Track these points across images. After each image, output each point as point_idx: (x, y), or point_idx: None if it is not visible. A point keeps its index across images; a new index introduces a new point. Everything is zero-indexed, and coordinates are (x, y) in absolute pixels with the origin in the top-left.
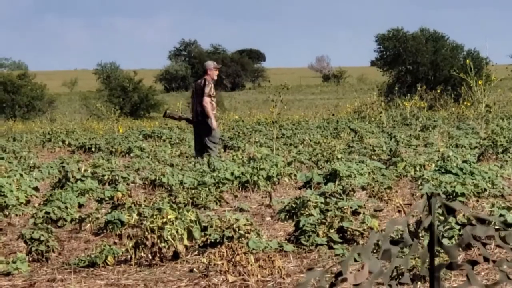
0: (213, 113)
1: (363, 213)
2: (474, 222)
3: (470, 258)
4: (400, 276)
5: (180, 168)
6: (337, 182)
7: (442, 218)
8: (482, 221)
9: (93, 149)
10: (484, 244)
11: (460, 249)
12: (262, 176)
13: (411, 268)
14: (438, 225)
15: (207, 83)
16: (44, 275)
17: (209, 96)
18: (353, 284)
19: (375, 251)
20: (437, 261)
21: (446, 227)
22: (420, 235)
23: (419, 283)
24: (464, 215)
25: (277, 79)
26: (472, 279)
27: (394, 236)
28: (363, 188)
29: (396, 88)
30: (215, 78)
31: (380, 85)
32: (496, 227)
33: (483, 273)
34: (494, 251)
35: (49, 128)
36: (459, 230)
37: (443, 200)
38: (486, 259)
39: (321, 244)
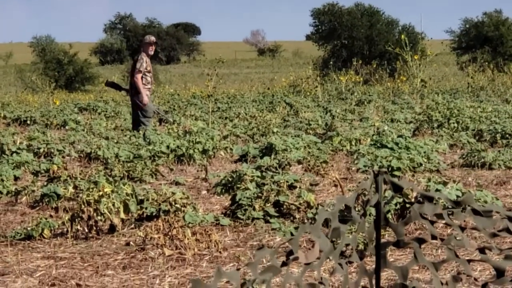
0: (148, 88)
1: (299, 187)
2: (421, 199)
3: (417, 236)
4: (348, 254)
5: (115, 141)
6: (273, 156)
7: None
8: (429, 199)
9: (28, 122)
10: (432, 222)
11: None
12: (198, 149)
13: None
14: (385, 203)
15: (139, 58)
16: None
17: (140, 72)
18: (304, 263)
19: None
20: (383, 239)
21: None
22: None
23: (366, 260)
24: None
25: (212, 53)
26: (420, 257)
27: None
28: (299, 162)
29: (332, 62)
30: (151, 53)
31: (316, 59)
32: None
33: (430, 251)
34: (442, 229)
35: None
36: (399, 204)
37: (391, 178)
38: (433, 237)
39: (258, 218)
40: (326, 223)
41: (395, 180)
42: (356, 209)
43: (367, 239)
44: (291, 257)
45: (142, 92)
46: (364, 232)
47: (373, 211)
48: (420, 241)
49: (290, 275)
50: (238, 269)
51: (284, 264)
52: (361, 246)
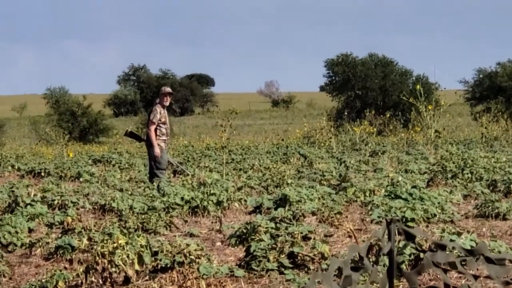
0: (163, 139)
1: (314, 239)
2: (434, 248)
3: (430, 285)
4: None
5: (130, 193)
6: (287, 207)
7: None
8: (442, 247)
9: (42, 174)
10: (445, 271)
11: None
12: (212, 201)
13: None
14: (398, 252)
15: (153, 109)
16: None
17: (153, 123)
18: None
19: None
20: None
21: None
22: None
23: None
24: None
25: (226, 104)
26: None
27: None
28: (313, 214)
29: (346, 113)
30: (166, 104)
31: (329, 110)
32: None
33: None
34: (456, 279)
35: None
36: (413, 255)
37: (403, 226)
38: (447, 286)
39: (272, 269)
40: (340, 272)
41: (408, 228)
42: (370, 258)
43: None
44: None
45: (154, 144)
46: (377, 281)
47: (386, 260)
48: None
49: None
50: None
51: None
52: None
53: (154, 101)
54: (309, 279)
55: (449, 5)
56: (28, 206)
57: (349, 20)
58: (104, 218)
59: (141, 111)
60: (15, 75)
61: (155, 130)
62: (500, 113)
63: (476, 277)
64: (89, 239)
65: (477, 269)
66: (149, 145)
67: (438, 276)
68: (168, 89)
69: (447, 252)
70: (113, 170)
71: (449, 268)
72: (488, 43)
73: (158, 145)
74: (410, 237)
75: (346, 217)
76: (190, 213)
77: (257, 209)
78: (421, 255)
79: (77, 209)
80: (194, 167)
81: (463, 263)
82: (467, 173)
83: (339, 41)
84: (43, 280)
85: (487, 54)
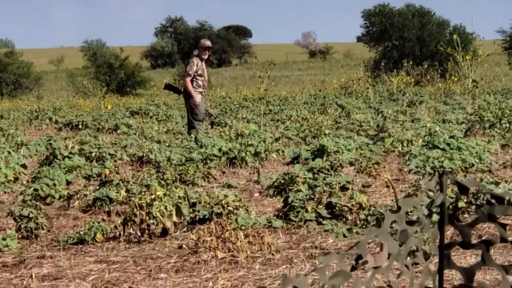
0: (200, 91)
1: (352, 189)
2: (491, 199)
3: (485, 239)
4: (414, 256)
5: (167, 144)
6: (325, 158)
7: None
8: (500, 199)
9: (80, 126)
10: (502, 224)
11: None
12: (250, 152)
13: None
14: (450, 204)
15: (190, 61)
16: (33, 252)
17: (189, 75)
18: (372, 267)
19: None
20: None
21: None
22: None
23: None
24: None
25: (263, 55)
26: (488, 259)
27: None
28: (351, 164)
29: (383, 63)
30: (204, 57)
31: (367, 60)
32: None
33: (497, 253)
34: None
35: (36, 106)
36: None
37: (456, 178)
38: (503, 240)
39: (310, 220)
40: (378, 222)
41: (461, 180)
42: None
43: (431, 240)
44: (360, 261)
45: (192, 94)
46: (429, 233)
47: (437, 212)
48: (488, 243)
49: (359, 279)
50: (305, 275)
51: (353, 268)
52: (425, 248)
53: (192, 53)
54: (348, 230)
55: None
56: (66, 159)
57: None
58: (141, 170)
59: (178, 63)
60: (52, 28)
61: (192, 81)
62: None
63: None
64: (127, 191)
65: None
66: (187, 97)
67: (492, 229)
68: (208, 43)
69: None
70: (150, 122)
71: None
72: None
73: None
74: (463, 189)
75: (384, 167)
76: (228, 164)
77: (295, 160)
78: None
79: (115, 161)
80: (232, 119)
81: None
82: (505, 123)
83: None
84: (81, 232)
85: None
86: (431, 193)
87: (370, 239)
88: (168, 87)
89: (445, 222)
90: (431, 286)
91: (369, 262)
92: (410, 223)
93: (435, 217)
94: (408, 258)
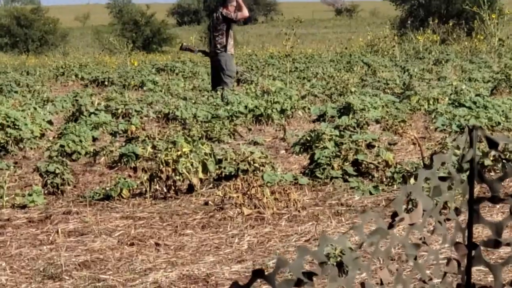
0: (232, 45)
1: (378, 146)
2: None
3: None
4: (445, 212)
5: (193, 101)
6: (351, 116)
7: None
8: None
9: (106, 83)
10: None
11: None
12: (276, 109)
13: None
14: (480, 159)
15: (222, 12)
16: (59, 207)
17: (234, 19)
18: (408, 224)
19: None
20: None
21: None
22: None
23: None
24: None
25: (289, 13)
26: None
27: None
28: (377, 122)
29: (409, 22)
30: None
31: (393, 19)
32: None
33: None
34: None
35: (62, 62)
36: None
37: (486, 133)
38: None
39: (336, 177)
40: (404, 180)
41: (491, 135)
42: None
43: (462, 196)
44: (397, 219)
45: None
46: (460, 189)
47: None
48: None
49: (396, 236)
50: (343, 233)
51: (390, 226)
52: (456, 203)
53: (216, 8)
54: (374, 187)
55: None
56: (92, 115)
57: None
58: (167, 127)
59: (204, 20)
60: None
61: (226, 37)
62: None
63: None
64: (153, 147)
65: None
66: (220, 52)
67: None
68: (234, 2)
69: None
70: (176, 79)
71: None
72: None
73: (229, 51)
74: (493, 145)
75: (410, 125)
76: (254, 122)
77: (321, 118)
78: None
79: (141, 117)
80: (258, 76)
81: None
82: None
83: None
84: (107, 188)
85: None
86: (457, 151)
87: (405, 196)
88: (185, 48)
89: (475, 178)
90: (461, 241)
91: (405, 219)
92: (443, 179)
93: (465, 173)
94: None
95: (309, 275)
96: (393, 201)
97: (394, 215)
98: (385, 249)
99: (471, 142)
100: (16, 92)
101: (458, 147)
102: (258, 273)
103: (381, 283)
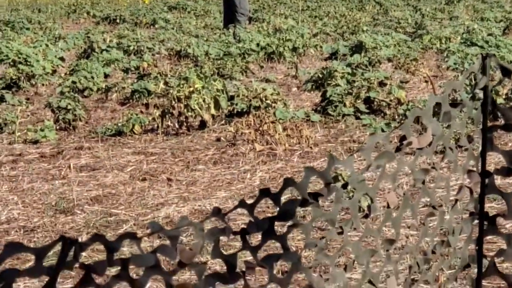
0: None
1: (390, 84)
2: None
3: None
4: (458, 139)
5: (205, 39)
6: (363, 54)
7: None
8: None
9: (117, 21)
10: None
11: None
12: (288, 47)
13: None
14: (493, 86)
15: None
16: (71, 143)
17: None
18: (416, 148)
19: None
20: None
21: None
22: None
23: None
24: None
25: None
26: None
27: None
28: (389, 60)
29: None
30: None
31: None
32: None
33: None
34: None
35: (74, 0)
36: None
37: (500, 61)
38: None
39: (348, 114)
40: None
41: (504, 63)
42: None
43: (475, 123)
44: (404, 142)
45: None
46: (472, 116)
47: (481, 94)
48: None
49: (403, 160)
50: (351, 155)
51: (397, 149)
52: (469, 130)
53: None
54: (386, 124)
55: None
56: (104, 52)
57: None
58: (179, 64)
59: None
60: None
61: None
62: None
63: None
64: (165, 83)
65: None
66: None
67: None
68: None
69: None
70: (188, 17)
71: None
72: None
73: None
74: (506, 72)
75: (422, 63)
76: (266, 59)
77: (333, 56)
78: None
79: (153, 55)
80: (270, 14)
81: None
82: None
83: None
84: (119, 124)
85: None
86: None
87: (413, 120)
88: None
89: (489, 105)
90: (474, 169)
91: (413, 143)
92: (454, 105)
93: (479, 101)
94: (452, 141)
95: (315, 196)
96: (401, 125)
97: (403, 138)
98: (392, 173)
99: (484, 69)
100: (28, 29)
101: (471, 75)
102: (264, 192)
103: (388, 207)
